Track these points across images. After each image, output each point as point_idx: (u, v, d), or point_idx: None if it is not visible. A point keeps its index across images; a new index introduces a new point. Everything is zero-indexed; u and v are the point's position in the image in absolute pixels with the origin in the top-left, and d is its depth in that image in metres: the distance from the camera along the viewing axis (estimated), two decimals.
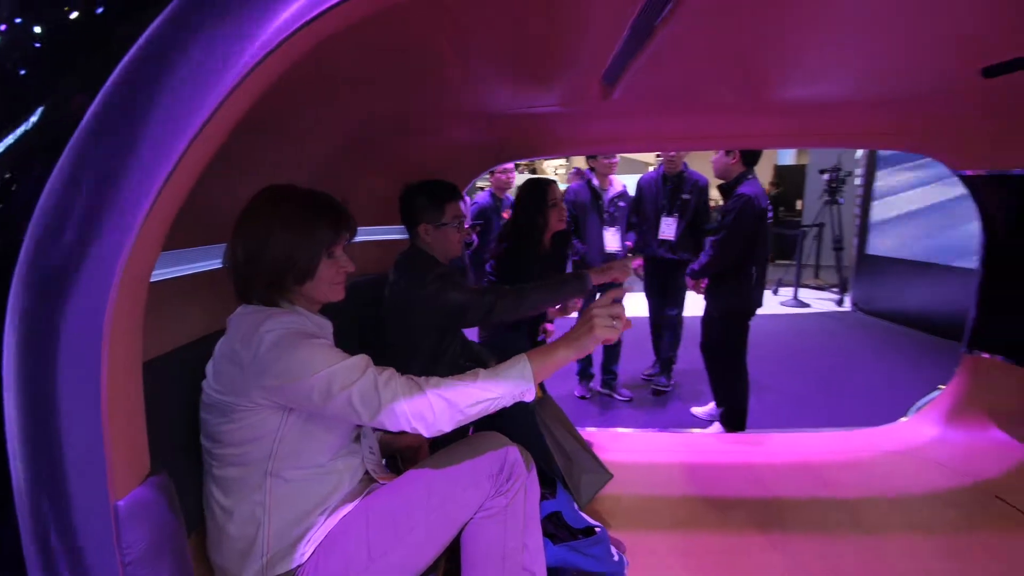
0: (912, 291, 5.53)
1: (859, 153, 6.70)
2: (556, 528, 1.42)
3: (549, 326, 2.50)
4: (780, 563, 1.61)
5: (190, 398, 1.01)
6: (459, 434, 1.54)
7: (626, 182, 3.55)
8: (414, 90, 1.53)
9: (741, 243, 2.64)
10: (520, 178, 4.08)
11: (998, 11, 1.07)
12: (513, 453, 1.13)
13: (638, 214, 3.41)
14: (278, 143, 1.45)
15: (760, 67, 1.55)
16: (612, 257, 3.29)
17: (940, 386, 2.58)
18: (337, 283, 1.09)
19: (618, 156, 3.36)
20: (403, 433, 1.32)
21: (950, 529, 1.77)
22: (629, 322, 1.01)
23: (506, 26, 1.16)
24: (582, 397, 3.44)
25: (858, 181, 6.64)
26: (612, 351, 3.48)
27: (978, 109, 1.89)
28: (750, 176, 2.74)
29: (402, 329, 1.69)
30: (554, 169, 18.18)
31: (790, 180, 10.04)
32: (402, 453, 1.40)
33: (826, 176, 6.87)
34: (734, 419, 2.79)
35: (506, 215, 3.76)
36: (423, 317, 1.65)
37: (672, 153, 3.21)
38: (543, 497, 1.40)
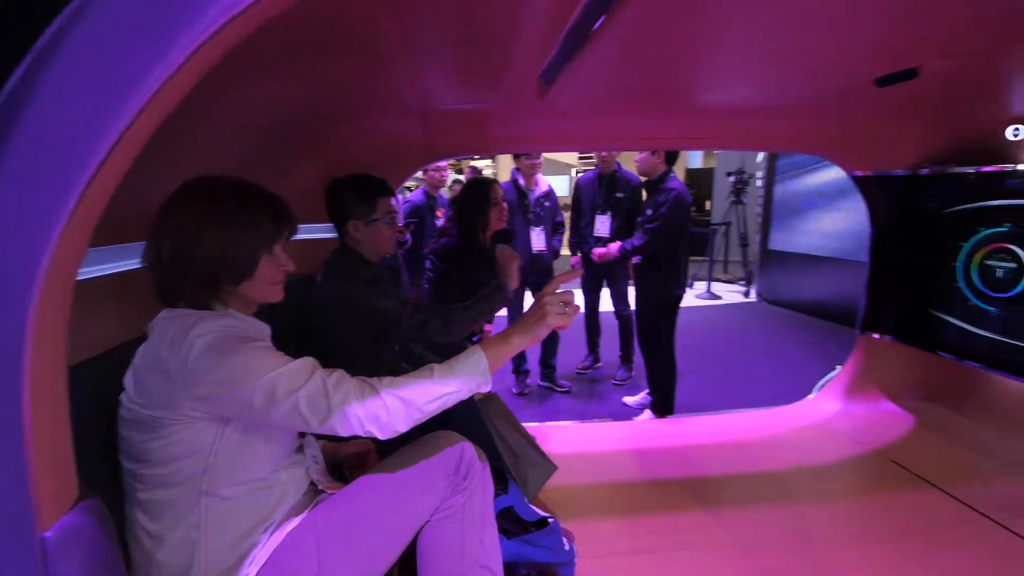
0: (808, 282, 6.12)
1: (760, 157, 7.33)
2: (509, 523, 1.41)
3: (488, 327, 2.49)
4: (718, 538, 1.71)
5: (106, 414, 0.89)
6: (410, 436, 1.51)
7: (551, 183, 3.62)
8: (346, 79, 1.46)
9: (673, 232, 2.81)
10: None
11: (891, 26, 1.21)
12: (468, 450, 1.11)
13: (576, 212, 3.52)
14: (195, 132, 1.32)
15: (684, 74, 1.65)
16: (539, 257, 3.34)
17: (838, 366, 2.88)
18: (277, 283, 1.01)
19: (543, 156, 3.42)
20: (348, 440, 1.26)
21: (857, 493, 1.98)
22: (578, 308, 1.03)
23: (445, 19, 1.14)
24: (519, 393, 3.46)
25: (759, 183, 7.25)
26: (550, 346, 3.54)
27: (868, 116, 2.13)
28: (672, 174, 2.93)
29: (334, 333, 1.60)
30: (479, 170, 18.23)
31: (700, 182, 10.75)
32: (347, 461, 1.31)
33: (732, 178, 7.43)
34: (664, 404, 2.95)
35: (440, 214, 3.70)
36: (354, 319, 1.56)
37: (604, 153, 3.32)
38: (496, 493, 1.39)
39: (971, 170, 2.16)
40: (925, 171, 2.35)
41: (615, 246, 3.01)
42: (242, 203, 0.95)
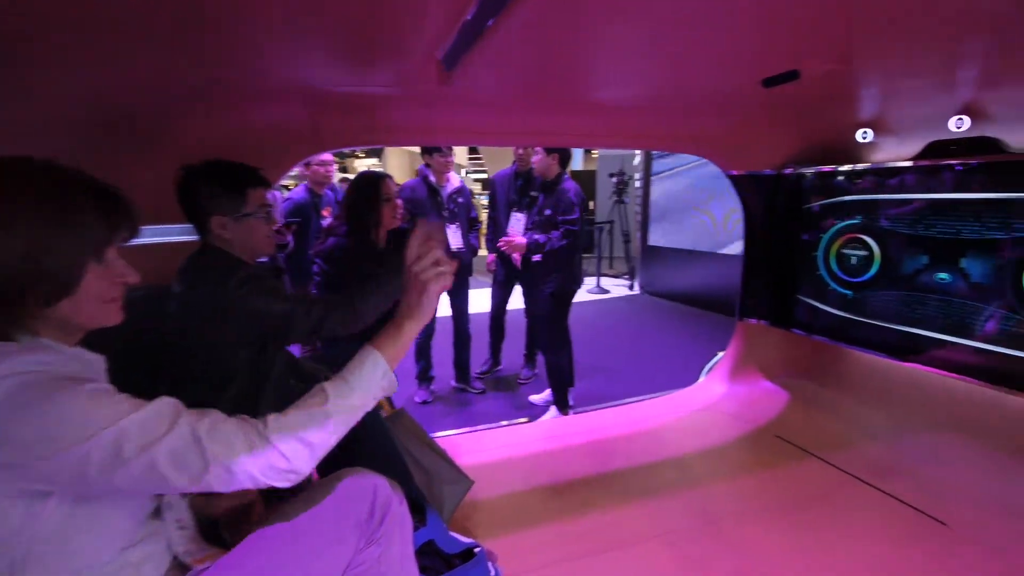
0: (683, 274, 6.66)
1: (637, 159, 7.84)
2: (431, 559, 1.26)
3: None
4: (640, 531, 1.70)
5: None
6: (307, 477, 1.28)
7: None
8: (200, 51, 1.20)
9: (580, 232, 2.86)
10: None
11: (775, 28, 1.26)
12: (382, 488, 0.94)
13: (492, 209, 3.44)
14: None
15: (580, 71, 1.62)
16: (457, 255, 3.20)
17: (720, 352, 3.11)
18: (111, 300, 0.76)
19: (454, 154, 3.27)
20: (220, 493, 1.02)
21: (752, 470, 2.11)
22: (454, 262, 0.91)
23: None
24: (424, 402, 3.28)
25: (638, 184, 7.75)
26: (463, 345, 3.42)
27: (743, 119, 2.29)
28: (567, 175, 2.98)
29: (204, 354, 1.32)
30: (368, 168, 17.41)
31: (584, 183, 11.28)
32: (225, 519, 1.04)
33: (614, 179, 7.87)
34: (563, 396, 2.98)
35: (326, 213, 3.37)
36: (232, 331, 1.29)
37: (521, 150, 3.26)
38: (414, 527, 1.23)
39: (827, 169, 2.43)
40: (789, 170, 2.60)
41: (522, 238, 2.96)
42: (59, 194, 0.69)
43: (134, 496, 0.77)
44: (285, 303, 1.32)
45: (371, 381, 0.84)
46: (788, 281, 2.68)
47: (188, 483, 0.69)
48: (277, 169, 1.94)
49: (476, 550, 1.33)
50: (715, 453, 2.29)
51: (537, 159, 2.97)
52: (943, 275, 2.02)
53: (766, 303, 2.80)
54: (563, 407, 3.01)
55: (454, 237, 3.19)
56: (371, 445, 1.32)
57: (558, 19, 1.15)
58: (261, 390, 1.37)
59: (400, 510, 0.97)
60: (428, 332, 3.26)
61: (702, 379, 3.03)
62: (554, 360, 3.01)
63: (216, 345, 1.30)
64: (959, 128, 1.83)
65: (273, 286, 1.35)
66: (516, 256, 3.08)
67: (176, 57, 1.22)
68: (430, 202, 3.18)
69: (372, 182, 2.00)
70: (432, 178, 3.18)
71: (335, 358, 2.02)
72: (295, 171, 2.63)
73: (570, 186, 2.89)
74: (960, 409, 2.03)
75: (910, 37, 1.26)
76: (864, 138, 2.19)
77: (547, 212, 2.93)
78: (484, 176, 12.53)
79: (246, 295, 1.27)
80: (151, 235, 1.65)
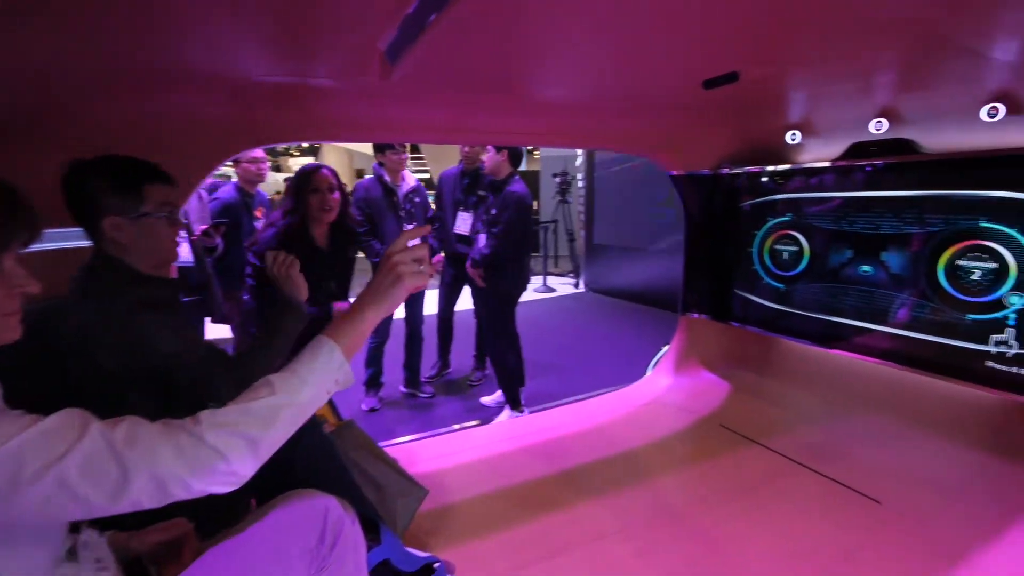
0: (626, 271, 6.85)
1: (579, 160, 7.98)
2: None
3: (343, 305, 2.15)
4: (598, 528, 1.71)
5: None
6: (242, 502, 1.17)
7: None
8: (114, 34, 1.07)
9: (516, 235, 2.84)
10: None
11: (714, 30, 1.30)
12: (334, 510, 0.87)
13: (438, 209, 3.38)
14: None
15: (525, 68, 1.60)
16: None
17: (665, 345, 3.20)
18: (8, 313, 0.66)
19: (407, 152, 3.17)
20: (148, 523, 0.90)
21: (699, 459, 2.18)
22: (434, 267, 0.87)
23: None
24: (372, 410, 3.16)
25: (581, 183, 7.89)
26: (414, 349, 3.32)
27: (683, 120, 2.36)
28: (517, 176, 2.97)
29: (92, 387, 1.07)
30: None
31: (527, 183, 11.36)
32: (152, 555, 0.92)
33: (557, 179, 7.97)
34: (515, 396, 2.97)
35: (259, 214, 3.18)
36: (117, 363, 1.07)
37: (468, 149, 3.20)
38: (368, 547, 1.16)
39: (759, 169, 2.55)
40: (725, 171, 2.71)
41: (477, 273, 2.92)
42: None
43: (42, 533, 0.67)
44: (176, 344, 1.13)
45: (325, 373, 0.76)
46: (726, 276, 2.80)
47: (108, 501, 0.60)
48: (204, 167, 1.79)
49: (435, 565, 1.27)
50: (665, 445, 2.35)
51: (488, 157, 2.94)
52: (866, 267, 2.16)
53: (707, 298, 2.91)
54: (516, 406, 2.99)
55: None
56: (314, 464, 1.22)
57: (501, 15, 1.12)
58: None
59: (353, 531, 0.90)
60: (382, 337, 3.15)
61: (649, 373, 3.11)
62: (501, 361, 3.00)
63: (106, 379, 1.07)
64: (878, 130, 1.97)
65: (169, 320, 1.17)
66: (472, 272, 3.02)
67: (84, 40, 1.09)
68: (386, 202, 3.08)
69: (305, 172, 1.93)
70: (387, 177, 3.08)
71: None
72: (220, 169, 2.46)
73: (517, 188, 2.88)
74: (884, 392, 2.19)
75: (835, 44, 1.33)
76: (793, 140, 2.31)
77: (493, 211, 2.91)
78: (427, 176, 12.35)
79: (142, 322, 1.09)
80: (55, 240, 1.47)
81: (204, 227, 2.53)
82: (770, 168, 2.50)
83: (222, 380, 1.20)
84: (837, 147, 2.25)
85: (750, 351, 2.80)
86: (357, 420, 1.68)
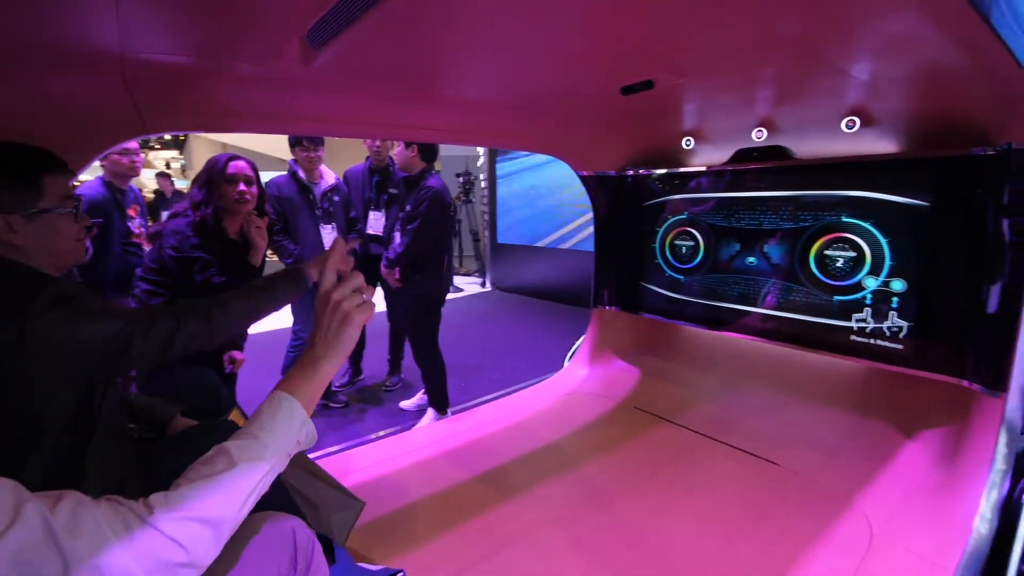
0: (531, 270, 7.04)
1: (481, 160, 8.04)
2: None
3: (237, 354, 1.99)
4: (533, 521, 1.75)
5: None
6: None
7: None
8: None
9: (433, 233, 2.78)
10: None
11: (632, 39, 1.40)
12: (301, 530, 0.81)
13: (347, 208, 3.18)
14: None
15: (447, 64, 1.60)
16: None
17: (582, 337, 3.36)
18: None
19: (323, 149, 2.94)
20: None
21: (620, 441, 2.31)
22: (372, 289, 0.83)
23: None
24: None
25: (483, 184, 7.96)
26: None
27: (593, 123, 2.49)
28: (433, 171, 2.91)
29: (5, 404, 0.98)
30: (166, 163, 14.82)
31: None
32: None
33: (460, 179, 7.97)
34: (441, 399, 2.93)
35: (133, 212, 2.80)
36: (43, 369, 0.97)
37: (378, 144, 3.04)
38: None
39: (657, 172, 2.77)
40: (630, 172, 2.91)
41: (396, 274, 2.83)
42: None
43: None
44: (116, 321, 1.04)
45: (287, 434, 0.69)
46: (633, 270, 3.01)
47: None
48: (80, 158, 1.54)
49: (399, 574, 1.23)
50: (587, 431, 2.46)
51: (397, 152, 2.85)
52: (751, 259, 2.45)
53: (616, 291, 3.10)
54: (442, 410, 2.95)
55: (330, 239, 2.91)
56: None
57: (435, 9, 1.12)
58: (86, 445, 1.05)
59: (320, 552, 0.84)
60: (296, 348, 2.94)
61: (566, 364, 3.24)
62: (431, 366, 2.93)
63: (17, 391, 0.97)
64: (759, 138, 2.24)
65: (92, 305, 1.05)
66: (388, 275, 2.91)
67: None
68: (300, 201, 2.86)
69: (219, 163, 1.79)
70: (301, 174, 2.86)
71: (182, 387, 1.70)
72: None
73: (433, 183, 2.81)
74: (771, 367, 2.49)
75: (734, 57, 1.49)
76: (688, 145, 2.55)
77: (408, 208, 2.84)
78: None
79: (60, 321, 0.97)
80: None
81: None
82: (669, 171, 2.74)
83: (185, 326, 1.13)
84: (725, 152, 2.52)
85: (657, 338, 3.03)
86: None
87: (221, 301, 1.23)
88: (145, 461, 1.22)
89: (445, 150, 10.42)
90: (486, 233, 7.96)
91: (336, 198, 3.00)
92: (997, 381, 1.56)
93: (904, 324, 1.92)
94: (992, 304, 1.59)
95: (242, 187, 1.79)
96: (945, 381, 1.78)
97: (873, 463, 1.88)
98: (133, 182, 2.93)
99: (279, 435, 0.68)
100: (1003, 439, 1.48)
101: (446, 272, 2.99)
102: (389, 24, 1.22)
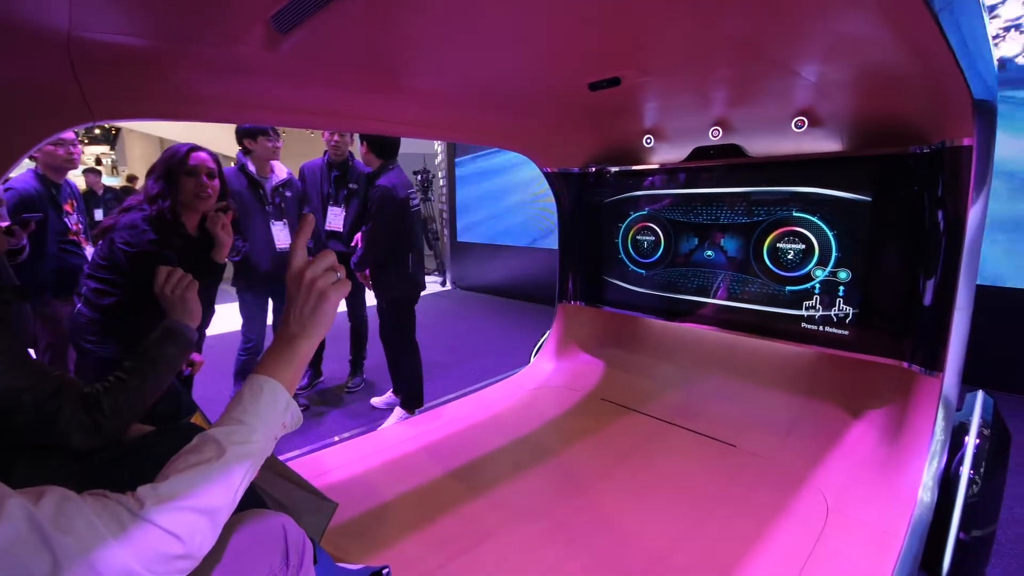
0: (491, 268, 7.05)
1: (440, 158, 7.97)
2: None
3: (196, 356, 1.90)
4: (509, 514, 1.76)
5: None
6: None
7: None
8: None
9: (387, 233, 2.72)
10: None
11: (599, 35, 1.43)
12: (292, 527, 0.79)
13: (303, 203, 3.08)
14: None
15: (414, 54, 1.59)
16: (283, 256, 2.78)
17: (548, 332, 3.39)
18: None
19: (282, 140, 2.82)
20: None
21: (589, 432, 2.36)
22: (343, 267, 0.82)
23: None
24: None
25: (442, 182, 7.90)
26: None
27: (557, 120, 2.52)
28: (391, 167, 2.86)
29: None
30: (96, 159, 13.86)
31: None
32: None
33: (419, 177, 7.87)
34: (414, 399, 2.90)
35: (70, 208, 2.61)
36: None
37: (337, 138, 2.95)
38: None
39: (619, 168, 2.84)
40: (592, 169, 2.96)
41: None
42: None
43: None
44: (25, 378, 0.90)
45: (272, 417, 0.67)
46: (597, 265, 3.07)
47: None
48: (14, 149, 1.42)
49: (385, 571, 1.21)
50: (556, 423, 2.50)
51: (363, 149, 2.79)
52: (709, 252, 2.55)
53: (580, 286, 3.15)
54: (411, 408, 2.92)
55: (282, 236, 2.80)
56: None
57: None
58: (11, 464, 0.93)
59: (308, 549, 0.82)
60: (257, 350, 2.82)
61: (533, 359, 3.26)
62: (405, 365, 2.90)
63: None
64: (716, 137, 2.33)
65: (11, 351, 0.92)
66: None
67: None
68: (250, 196, 2.72)
69: (178, 154, 1.71)
70: (251, 167, 2.72)
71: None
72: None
73: (383, 181, 2.73)
74: (728, 355, 2.61)
75: (693, 57, 1.55)
76: (648, 143, 2.63)
77: (361, 208, 2.79)
78: None
79: None
80: None
81: (3, 224, 2.01)
82: (630, 167, 2.81)
83: (75, 422, 0.96)
84: (683, 150, 2.61)
85: (621, 331, 3.11)
86: None
87: (139, 374, 1.08)
88: (91, 472, 1.12)
89: (402, 147, 10.27)
90: (445, 232, 7.91)
91: (288, 193, 2.89)
92: (934, 362, 1.70)
93: (850, 311, 2.05)
94: (929, 291, 1.73)
95: (204, 180, 1.71)
96: (888, 363, 1.92)
97: (825, 442, 2.00)
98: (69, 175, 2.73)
99: (265, 418, 0.67)
100: (941, 415, 1.61)
101: (414, 269, 2.94)
102: (358, 9, 1.20)
